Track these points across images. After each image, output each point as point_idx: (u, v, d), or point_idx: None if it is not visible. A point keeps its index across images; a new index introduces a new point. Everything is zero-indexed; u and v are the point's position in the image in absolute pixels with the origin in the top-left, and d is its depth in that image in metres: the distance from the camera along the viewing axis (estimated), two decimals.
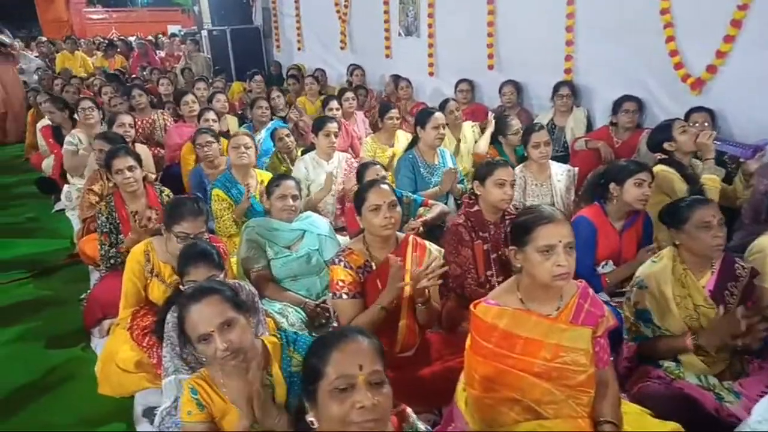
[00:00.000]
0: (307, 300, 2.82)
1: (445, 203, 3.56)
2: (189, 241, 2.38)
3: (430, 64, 5.97)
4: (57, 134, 5.04)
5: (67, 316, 3.27)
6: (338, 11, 7.30)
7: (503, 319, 1.73)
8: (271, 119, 5.20)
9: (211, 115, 4.53)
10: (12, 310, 3.41)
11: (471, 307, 1.82)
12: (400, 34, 6.37)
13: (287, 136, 4.28)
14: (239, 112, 6.07)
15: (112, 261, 3.17)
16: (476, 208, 2.67)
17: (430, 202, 3.30)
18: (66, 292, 3.57)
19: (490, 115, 4.28)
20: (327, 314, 2.76)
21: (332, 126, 3.76)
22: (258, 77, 6.71)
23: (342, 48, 7.38)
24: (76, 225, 4.51)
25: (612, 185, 2.67)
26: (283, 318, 2.67)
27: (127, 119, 4.35)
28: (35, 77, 8.47)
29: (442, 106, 4.53)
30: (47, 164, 5.13)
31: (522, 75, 5.05)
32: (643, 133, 3.93)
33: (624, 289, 2.74)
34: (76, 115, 4.83)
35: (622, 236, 2.72)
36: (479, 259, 2.60)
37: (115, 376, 2.46)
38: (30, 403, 2.56)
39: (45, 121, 5.49)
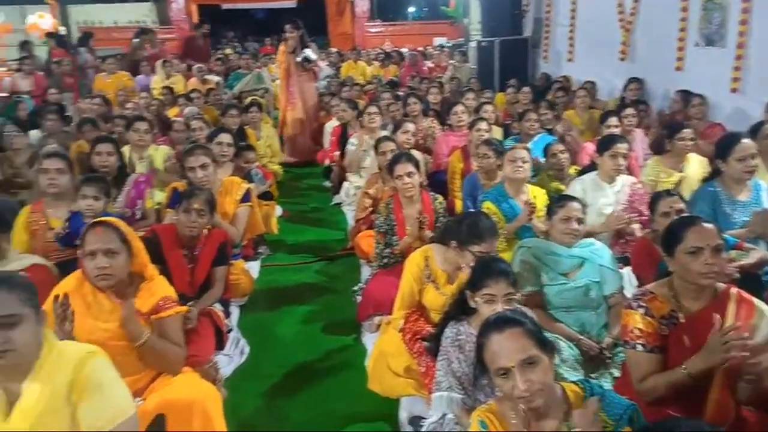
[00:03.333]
0: (582, 337, 2.56)
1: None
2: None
3: (735, 79, 5.09)
4: (344, 133, 5.62)
5: (341, 305, 3.56)
6: (621, 19, 6.73)
7: None
8: (540, 132, 5.01)
9: (483, 125, 4.52)
10: (297, 291, 3.84)
11: None
12: (697, 44, 5.57)
13: (561, 152, 4.03)
14: (507, 123, 6.00)
15: (385, 260, 3.35)
16: None
17: (746, 245, 2.74)
18: (340, 282, 3.90)
19: None
20: (607, 358, 2.47)
21: (621, 146, 3.40)
22: (526, 88, 6.57)
23: (622, 59, 6.79)
24: (350, 220, 4.94)
25: None
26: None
27: (411, 127, 4.61)
28: (324, 83, 9.61)
29: (754, 131, 3.77)
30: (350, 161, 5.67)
31: None
32: None
33: None
34: (361, 118, 5.31)
35: None
36: None
37: (385, 377, 2.54)
38: (310, 384, 2.81)
39: (335, 122, 6.17)
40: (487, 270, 2.08)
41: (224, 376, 2.76)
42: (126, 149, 4.57)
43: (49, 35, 10.02)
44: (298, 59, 7.13)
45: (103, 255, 2.12)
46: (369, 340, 3.05)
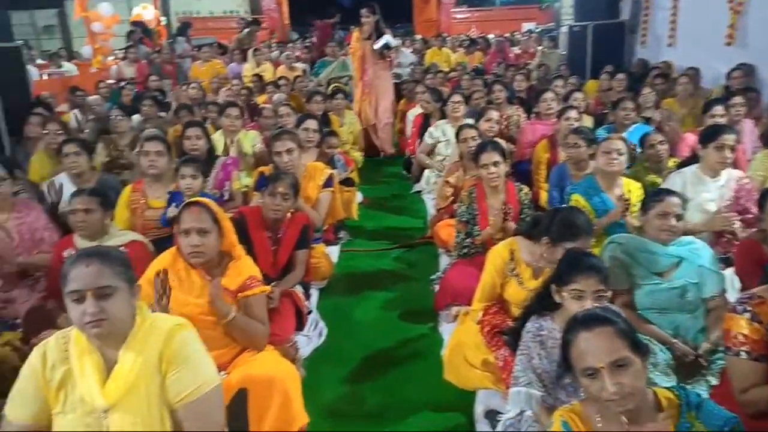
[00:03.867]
0: (675, 341, 2.39)
1: None
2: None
3: None
4: (425, 123, 5.56)
5: (419, 293, 3.54)
6: (731, 1, 6.19)
7: None
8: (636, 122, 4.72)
9: (573, 113, 4.32)
10: (375, 276, 3.87)
11: None
12: None
13: (660, 143, 3.77)
14: (603, 111, 5.71)
15: (465, 250, 3.30)
16: None
17: None
18: (418, 270, 3.88)
19: None
20: (702, 368, 2.30)
21: (729, 137, 3.12)
22: (620, 75, 6.22)
23: (728, 44, 6.26)
24: (430, 208, 4.91)
25: None
26: None
27: (494, 115, 4.50)
28: (407, 70, 9.56)
29: None
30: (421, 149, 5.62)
31: None
32: None
33: None
34: (445, 108, 5.24)
35: None
36: None
37: (461, 368, 2.50)
38: (386, 370, 2.82)
39: (418, 110, 6.12)
40: (576, 264, 1.98)
41: (303, 356, 2.83)
42: (219, 134, 4.79)
43: (134, 24, 10.64)
44: (376, 46, 6.55)
45: (196, 233, 2.23)
46: (446, 329, 3.02)
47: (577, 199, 3.25)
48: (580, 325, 1.47)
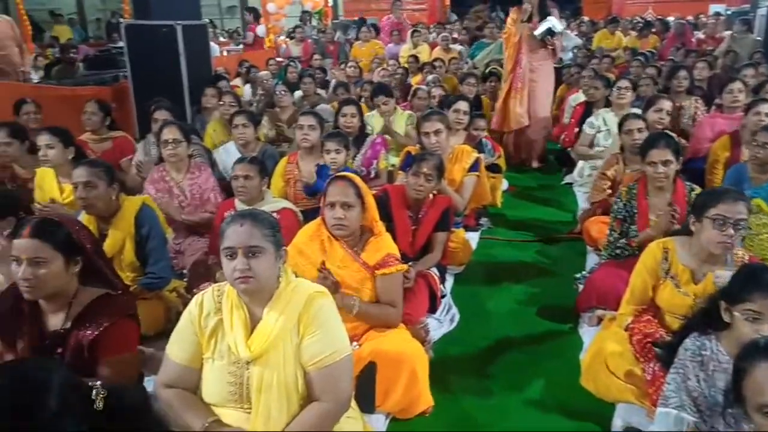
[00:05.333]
0: None
1: None
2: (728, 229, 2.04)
3: None
4: (586, 113, 5.21)
5: (560, 290, 3.34)
6: None
7: None
8: None
9: (765, 107, 3.73)
10: (514, 268, 3.71)
11: None
12: None
13: None
14: None
15: (617, 251, 3.03)
16: None
17: None
18: (561, 266, 3.66)
19: None
20: None
21: None
22: None
23: None
24: (581, 202, 4.61)
25: None
26: None
27: (666, 105, 4.09)
28: (570, 54, 9.00)
29: None
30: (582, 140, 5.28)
31: None
32: None
33: None
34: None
35: None
36: None
37: (601, 376, 2.31)
38: (516, 365, 2.69)
39: (580, 97, 5.75)
40: (753, 280, 1.71)
41: (432, 339, 2.80)
42: (375, 113, 4.93)
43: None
44: (536, 32, 5.37)
45: (340, 207, 2.31)
46: (587, 332, 2.82)
47: (759, 204, 2.84)
48: (763, 354, 1.26)
